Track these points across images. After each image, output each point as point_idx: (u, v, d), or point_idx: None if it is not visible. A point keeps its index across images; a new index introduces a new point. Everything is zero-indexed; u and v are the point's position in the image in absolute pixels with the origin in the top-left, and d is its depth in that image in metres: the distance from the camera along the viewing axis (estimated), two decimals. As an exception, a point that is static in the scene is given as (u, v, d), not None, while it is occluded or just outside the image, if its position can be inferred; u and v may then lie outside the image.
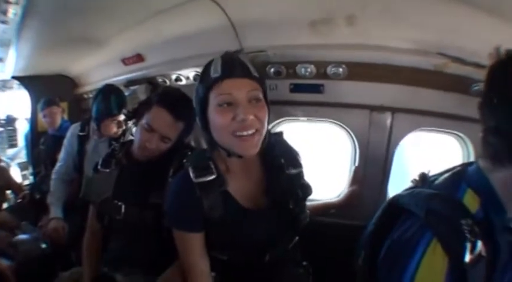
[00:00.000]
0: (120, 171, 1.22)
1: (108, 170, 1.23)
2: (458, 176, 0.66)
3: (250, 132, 0.79)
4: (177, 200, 0.89)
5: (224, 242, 0.89)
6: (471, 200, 0.59)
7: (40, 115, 2.48)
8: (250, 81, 0.81)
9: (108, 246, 1.26)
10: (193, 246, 0.88)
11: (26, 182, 2.76)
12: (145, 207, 1.16)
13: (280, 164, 0.91)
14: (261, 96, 0.82)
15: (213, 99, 0.81)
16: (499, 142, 0.58)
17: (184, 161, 0.97)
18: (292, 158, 0.95)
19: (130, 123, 1.53)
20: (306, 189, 0.95)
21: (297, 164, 0.95)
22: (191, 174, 0.85)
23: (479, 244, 0.53)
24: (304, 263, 1.03)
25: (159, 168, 1.16)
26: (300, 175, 0.96)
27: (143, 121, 1.12)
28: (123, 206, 1.18)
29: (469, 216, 0.56)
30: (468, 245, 0.53)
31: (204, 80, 0.83)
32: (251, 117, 0.79)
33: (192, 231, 0.87)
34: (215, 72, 0.80)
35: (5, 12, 1.44)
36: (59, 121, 2.46)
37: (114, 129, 1.77)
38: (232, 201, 0.87)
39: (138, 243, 1.19)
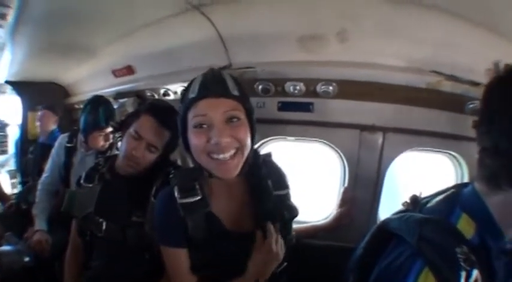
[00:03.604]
0: (103, 187, 1.20)
1: (91, 185, 1.20)
2: (452, 199, 0.63)
3: (227, 155, 0.78)
4: (163, 218, 0.90)
5: (207, 263, 0.88)
6: (466, 225, 0.57)
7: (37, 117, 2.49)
8: (229, 101, 0.79)
9: (89, 263, 1.23)
10: (181, 262, 0.88)
11: (16, 191, 2.71)
12: (127, 226, 1.13)
13: (266, 186, 0.90)
14: (241, 115, 0.80)
15: (190, 120, 0.80)
16: (496, 164, 0.55)
17: (171, 176, 0.97)
18: (279, 179, 0.94)
19: (116, 136, 1.51)
20: (292, 211, 0.94)
21: (284, 185, 0.94)
22: (176, 194, 0.86)
23: (475, 272, 0.51)
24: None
25: (142, 185, 1.14)
26: (286, 196, 0.95)
27: (130, 129, 1.12)
28: (104, 223, 1.15)
29: (464, 243, 0.54)
30: (463, 274, 0.50)
31: (184, 99, 0.82)
32: (226, 139, 0.77)
33: (179, 246, 0.87)
34: (192, 92, 0.79)
35: (-1, 16, 1.45)
36: (50, 128, 2.45)
37: (101, 142, 1.74)
38: (216, 223, 0.87)
39: (119, 262, 1.15)
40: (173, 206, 0.85)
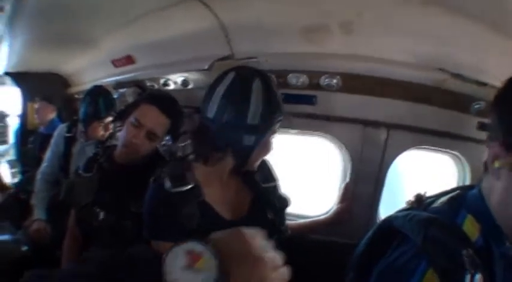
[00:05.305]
0: (101, 177, 1.19)
1: (89, 175, 1.20)
2: (458, 200, 0.61)
3: None
4: (154, 210, 0.88)
5: None
6: (471, 227, 0.55)
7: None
8: None
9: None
10: None
11: (16, 180, 2.71)
12: (125, 216, 1.12)
13: (254, 179, 0.95)
14: None
15: (271, 132, 0.90)
16: None
17: (162, 170, 0.95)
18: (266, 172, 0.98)
19: (116, 126, 1.51)
20: (283, 201, 0.98)
21: (271, 178, 0.99)
22: (167, 184, 0.84)
23: (478, 276, 0.49)
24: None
25: (141, 175, 1.09)
26: (275, 188, 0.99)
27: (130, 118, 1.12)
28: (101, 213, 1.15)
29: (470, 245, 0.52)
30: (468, 277, 0.49)
31: (275, 117, 0.89)
32: None
33: (172, 240, 0.84)
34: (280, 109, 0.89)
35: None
36: (48, 118, 2.45)
37: (101, 132, 1.75)
38: (211, 211, 0.86)
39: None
40: (164, 197, 0.83)
